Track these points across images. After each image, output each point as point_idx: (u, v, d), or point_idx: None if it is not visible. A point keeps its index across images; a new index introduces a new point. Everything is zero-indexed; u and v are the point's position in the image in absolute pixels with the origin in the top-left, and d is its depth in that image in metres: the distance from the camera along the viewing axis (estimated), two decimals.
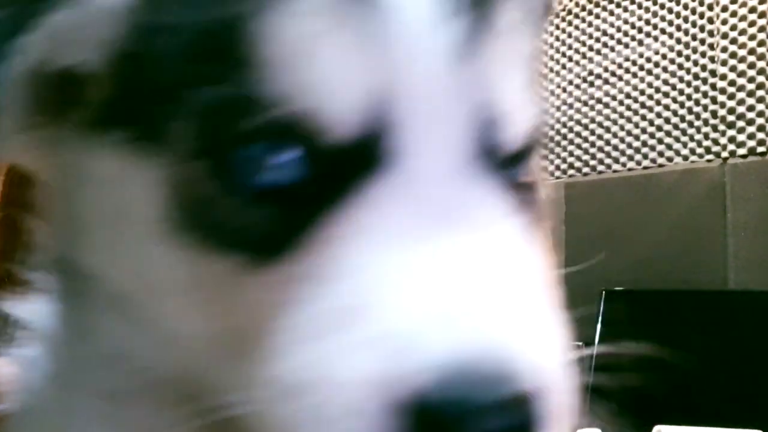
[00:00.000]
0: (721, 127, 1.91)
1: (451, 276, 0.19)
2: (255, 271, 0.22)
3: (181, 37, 0.20)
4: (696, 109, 1.95)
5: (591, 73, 2.18)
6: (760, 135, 1.85)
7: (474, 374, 0.16)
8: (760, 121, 1.85)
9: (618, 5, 2.10)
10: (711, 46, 1.93)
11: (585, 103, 2.17)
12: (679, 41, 1.99)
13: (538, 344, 0.19)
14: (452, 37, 0.19)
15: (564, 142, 2.20)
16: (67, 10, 0.22)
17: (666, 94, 2.00)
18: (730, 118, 1.89)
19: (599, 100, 2.13)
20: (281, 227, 0.21)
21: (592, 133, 2.14)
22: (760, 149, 1.85)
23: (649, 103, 2.03)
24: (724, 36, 1.91)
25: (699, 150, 1.94)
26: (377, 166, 0.21)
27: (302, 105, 0.20)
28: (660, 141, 2.00)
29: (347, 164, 0.21)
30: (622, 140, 2.08)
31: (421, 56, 0.19)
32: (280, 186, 0.21)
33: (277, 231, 0.22)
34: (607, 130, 2.11)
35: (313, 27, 0.18)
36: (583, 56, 2.18)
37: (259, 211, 0.21)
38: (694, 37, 1.96)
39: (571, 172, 2.18)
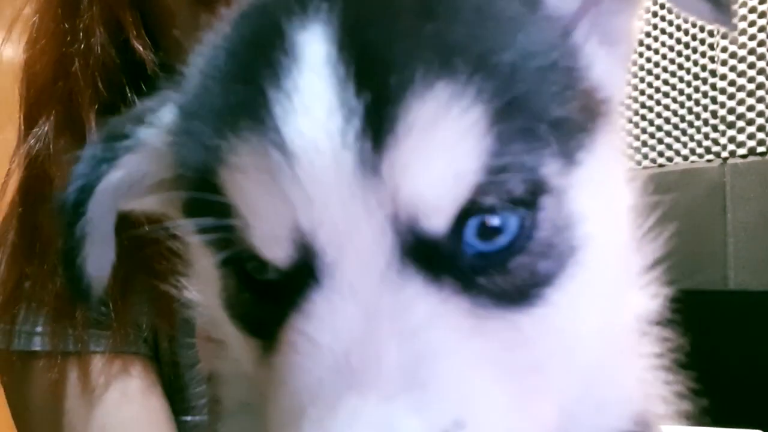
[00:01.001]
0: (721, 127, 1.91)
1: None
2: (268, 354, 0.26)
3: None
4: (696, 109, 1.95)
5: None
6: (760, 135, 1.85)
7: None
8: (760, 121, 1.85)
9: None
10: (711, 46, 1.93)
11: None
12: (679, 41, 1.99)
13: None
14: (355, 159, 0.21)
15: None
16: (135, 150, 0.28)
17: (666, 94, 2.00)
18: (730, 118, 1.89)
19: None
20: (269, 318, 0.25)
21: None
22: (760, 149, 1.85)
23: (649, 103, 2.03)
24: (724, 36, 1.91)
25: (699, 150, 1.94)
26: (309, 286, 0.24)
27: (250, 241, 0.24)
28: (660, 141, 2.01)
29: (293, 281, 0.24)
30: (622, 140, 2.08)
31: (330, 187, 0.21)
32: (266, 286, 0.25)
33: (268, 320, 0.25)
34: None
35: (250, 183, 0.23)
36: None
37: (258, 303, 0.26)
38: (694, 37, 1.96)
39: None
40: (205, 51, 0.27)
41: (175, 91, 0.28)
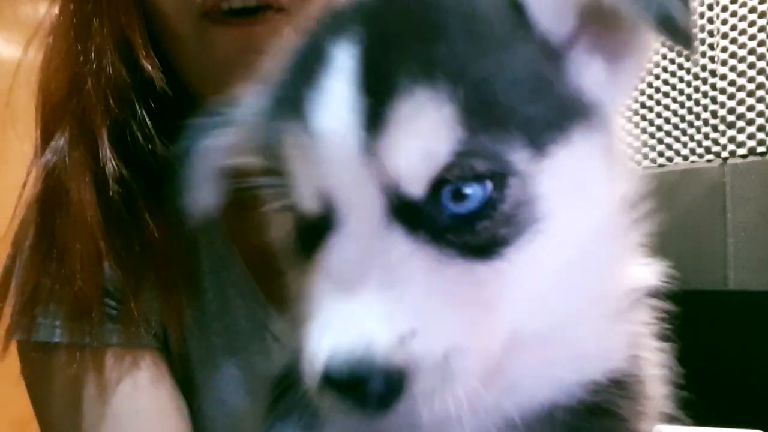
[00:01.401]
0: (721, 127, 1.91)
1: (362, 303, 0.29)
2: (305, 270, 0.35)
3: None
4: (696, 109, 1.95)
5: None
6: (760, 135, 1.85)
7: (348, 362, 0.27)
8: (760, 121, 1.85)
9: None
10: (711, 46, 1.93)
11: None
12: None
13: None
14: (358, 142, 0.30)
15: None
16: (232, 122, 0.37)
17: (666, 94, 2.00)
18: (730, 118, 1.89)
19: None
20: (307, 246, 0.34)
21: None
22: (760, 149, 1.85)
23: (649, 103, 2.03)
24: (724, 36, 1.91)
25: (699, 150, 1.94)
26: (331, 228, 0.32)
27: (294, 197, 0.34)
28: (660, 141, 2.01)
29: (319, 227, 0.33)
30: (622, 140, 2.08)
31: (341, 162, 0.30)
32: (305, 227, 0.34)
33: (306, 248, 0.34)
34: None
35: (294, 156, 0.32)
36: None
37: (301, 237, 0.35)
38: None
39: None
40: (279, 61, 0.36)
41: (259, 86, 0.37)
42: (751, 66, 1.87)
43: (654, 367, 0.39)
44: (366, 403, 0.27)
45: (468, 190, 0.30)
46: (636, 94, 2.06)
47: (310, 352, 0.29)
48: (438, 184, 0.30)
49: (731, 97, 1.89)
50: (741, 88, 1.88)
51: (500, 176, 0.29)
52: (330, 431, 0.33)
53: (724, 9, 1.91)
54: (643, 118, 2.04)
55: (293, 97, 0.31)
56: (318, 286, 0.32)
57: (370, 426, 0.28)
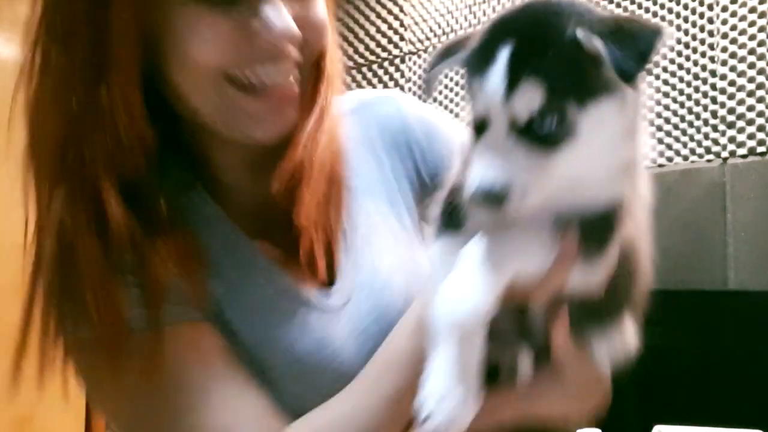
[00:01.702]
0: (721, 127, 1.91)
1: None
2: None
3: None
4: (696, 109, 1.95)
5: None
6: (760, 135, 1.85)
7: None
8: (760, 121, 1.85)
9: (618, 5, 2.10)
10: (711, 46, 1.93)
11: None
12: (679, 41, 1.99)
13: None
14: (502, 99, 0.49)
15: None
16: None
17: (666, 94, 2.00)
18: (730, 118, 1.89)
19: None
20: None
21: None
22: (760, 149, 1.85)
23: (649, 103, 2.02)
24: (724, 36, 1.91)
25: (699, 150, 1.94)
26: (486, 129, 0.52)
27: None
28: (660, 141, 2.01)
29: (480, 131, 0.52)
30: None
31: (494, 105, 0.50)
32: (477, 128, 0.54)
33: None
34: None
35: (477, 102, 0.52)
36: None
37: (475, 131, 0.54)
38: (694, 37, 1.97)
39: None
40: (468, 48, 0.54)
41: (469, 44, 0.54)
42: (751, 66, 1.87)
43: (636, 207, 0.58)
44: (492, 203, 0.49)
45: (548, 119, 0.49)
46: None
47: (469, 182, 0.49)
48: (531, 120, 0.49)
49: (731, 97, 1.89)
50: (741, 88, 1.88)
51: (562, 115, 0.49)
52: (470, 227, 0.53)
53: (724, 9, 1.91)
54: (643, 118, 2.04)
55: (480, 65, 0.51)
56: (476, 153, 0.51)
57: (494, 217, 0.51)
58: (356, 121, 0.75)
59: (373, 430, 0.55)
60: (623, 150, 0.56)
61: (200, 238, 0.60)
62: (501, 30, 0.51)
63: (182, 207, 0.61)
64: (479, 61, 0.50)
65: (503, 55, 0.48)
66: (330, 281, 0.65)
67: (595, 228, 0.52)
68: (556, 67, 0.48)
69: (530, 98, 0.48)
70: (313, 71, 0.62)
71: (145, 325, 0.56)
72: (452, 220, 0.55)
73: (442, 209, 0.57)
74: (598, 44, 0.47)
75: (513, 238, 0.51)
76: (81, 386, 0.60)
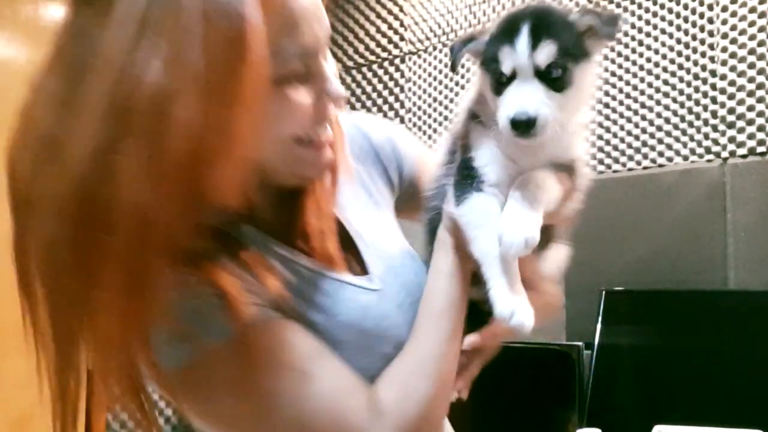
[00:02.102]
0: (721, 127, 1.91)
1: None
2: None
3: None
4: (696, 109, 1.95)
5: None
6: (760, 135, 1.85)
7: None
8: (760, 121, 1.85)
9: (618, 5, 2.10)
10: (711, 46, 1.93)
11: None
12: (679, 41, 1.99)
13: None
14: (528, 54, 0.67)
15: None
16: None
17: (666, 94, 2.00)
18: (730, 118, 1.89)
19: (599, 100, 2.13)
20: (501, 90, 0.72)
21: (592, 133, 2.14)
22: (760, 149, 1.85)
23: (649, 103, 2.03)
24: (724, 36, 1.91)
25: (699, 150, 1.94)
26: (513, 80, 0.71)
27: (500, 67, 0.71)
28: (660, 141, 2.01)
29: (509, 81, 0.70)
30: (622, 140, 2.08)
31: (522, 58, 0.67)
32: (501, 80, 0.72)
33: (500, 91, 0.71)
34: (607, 130, 2.11)
35: (504, 57, 0.70)
36: None
37: (496, 85, 0.72)
38: (694, 37, 1.97)
39: None
40: (491, 29, 0.71)
41: (485, 35, 0.71)
42: (751, 66, 1.87)
43: (584, 163, 0.75)
44: (526, 129, 0.65)
45: (556, 69, 0.67)
46: (636, 94, 2.06)
47: (505, 115, 0.66)
48: (548, 66, 0.67)
49: (731, 97, 1.89)
50: (741, 88, 1.88)
51: (565, 68, 0.68)
52: (489, 179, 0.70)
53: (724, 9, 1.91)
54: (643, 118, 2.04)
55: (508, 37, 0.67)
56: (508, 94, 0.67)
57: (524, 143, 0.68)
58: None
59: (443, 368, 0.69)
60: (586, 111, 0.74)
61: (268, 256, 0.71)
62: (517, 17, 0.68)
63: (239, 236, 0.71)
64: (508, 34, 0.67)
65: (525, 28, 0.66)
66: (363, 271, 0.78)
67: (568, 170, 0.72)
68: (562, 34, 0.66)
69: (548, 52, 0.65)
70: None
71: (254, 323, 0.64)
72: (471, 181, 0.69)
73: (457, 179, 0.71)
74: (591, 19, 0.67)
75: (536, 182, 0.68)
76: (191, 408, 0.65)
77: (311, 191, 0.75)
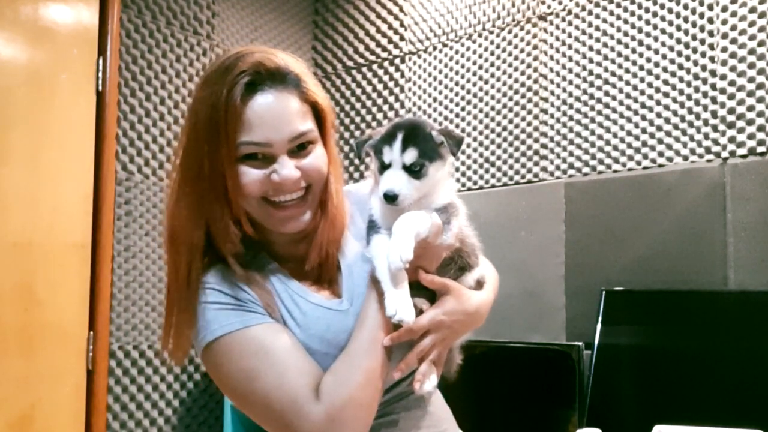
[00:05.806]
0: (721, 127, 1.91)
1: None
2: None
3: None
4: (696, 109, 1.95)
5: (591, 72, 2.18)
6: (760, 135, 1.85)
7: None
8: (760, 121, 1.85)
9: (618, 5, 2.10)
10: (711, 46, 1.93)
11: (585, 103, 2.17)
12: (679, 41, 1.99)
13: None
14: (399, 156, 0.94)
15: (564, 142, 2.20)
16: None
17: (666, 94, 2.00)
18: (730, 118, 1.89)
19: (599, 100, 2.13)
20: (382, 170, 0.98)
21: (592, 133, 2.14)
22: (760, 149, 1.85)
23: (649, 103, 2.03)
24: (724, 36, 1.91)
25: (699, 150, 1.94)
26: (388, 168, 0.96)
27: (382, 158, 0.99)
28: (660, 141, 2.01)
29: (386, 168, 0.95)
30: (622, 140, 2.08)
31: (396, 156, 0.94)
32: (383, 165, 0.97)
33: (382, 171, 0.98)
34: (607, 130, 2.11)
35: (386, 153, 0.96)
36: (583, 56, 2.18)
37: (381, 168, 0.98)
38: (694, 37, 1.97)
39: (571, 172, 2.18)
40: (375, 137, 0.97)
41: (378, 135, 0.97)
42: (751, 66, 1.87)
43: (456, 203, 1.01)
44: (393, 200, 0.91)
45: (416, 166, 0.92)
46: (636, 94, 2.06)
47: (380, 187, 0.92)
48: (412, 164, 0.92)
49: (731, 97, 1.89)
50: (741, 88, 1.88)
51: (423, 166, 0.92)
52: (383, 225, 0.96)
53: (724, 9, 1.91)
54: (643, 118, 2.04)
55: (389, 141, 0.93)
56: (383, 180, 0.92)
57: (393, 207, 0.93)
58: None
59: (370, 362, 0.93)
60: (446, 183, 1.00)
61: (269, 279, 1.02)
62: (397, 128, 0.94)
63: (258, 262, 1.03)
64: (389, 139, 0.94)
65: (400, 137, 0.92)
66: (339, 294, 1.05)
67: (442, 212, 0.97)
68: (422, 143, 0.93)
69: (411, 154, 0.92)
70: (323, 189, 1.02)
71: (260, 321, 0.96)
72: (373, 228, 0.99)
73: (368, 226, 1.01)
74: (443, 138, 0.94)
75: (406, 218, 0.92)
76: (223, 381, 0.95)
77: (319, 235, 1.03)
